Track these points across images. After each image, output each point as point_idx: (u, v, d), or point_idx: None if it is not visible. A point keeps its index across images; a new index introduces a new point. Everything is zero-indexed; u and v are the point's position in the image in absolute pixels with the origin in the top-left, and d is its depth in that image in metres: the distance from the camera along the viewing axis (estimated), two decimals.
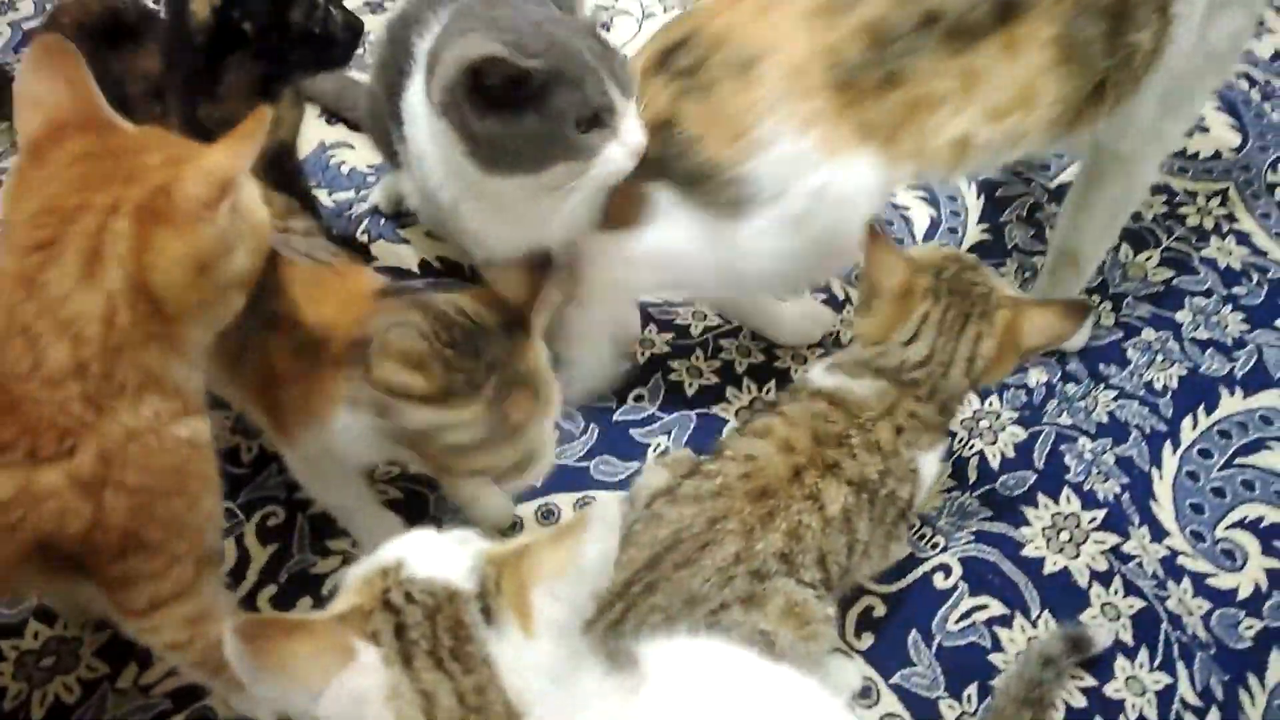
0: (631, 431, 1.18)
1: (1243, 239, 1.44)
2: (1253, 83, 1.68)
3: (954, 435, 1.18)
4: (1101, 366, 1.27)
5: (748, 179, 0.99)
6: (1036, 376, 1.25)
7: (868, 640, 1.03)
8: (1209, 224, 1.45)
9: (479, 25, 0.93)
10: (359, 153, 1.46)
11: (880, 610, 1.06)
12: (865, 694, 1.00)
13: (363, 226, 1.38)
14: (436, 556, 0.62)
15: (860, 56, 0.97)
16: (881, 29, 0.97)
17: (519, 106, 0.90)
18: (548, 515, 1.11)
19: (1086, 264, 1.25)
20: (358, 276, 0.93)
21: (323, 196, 1.41)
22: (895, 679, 1.01)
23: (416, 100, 1.00)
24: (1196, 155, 1.55)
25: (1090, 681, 1.02)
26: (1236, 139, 1.58)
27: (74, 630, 1.00)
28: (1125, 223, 1.25)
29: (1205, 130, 1.59)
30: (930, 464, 0.97)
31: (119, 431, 0.71)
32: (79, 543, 0.71)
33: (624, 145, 0.94)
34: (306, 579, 1.05)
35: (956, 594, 1.07)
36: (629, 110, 0.94)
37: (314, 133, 1.46)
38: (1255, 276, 1.39)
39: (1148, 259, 1.40)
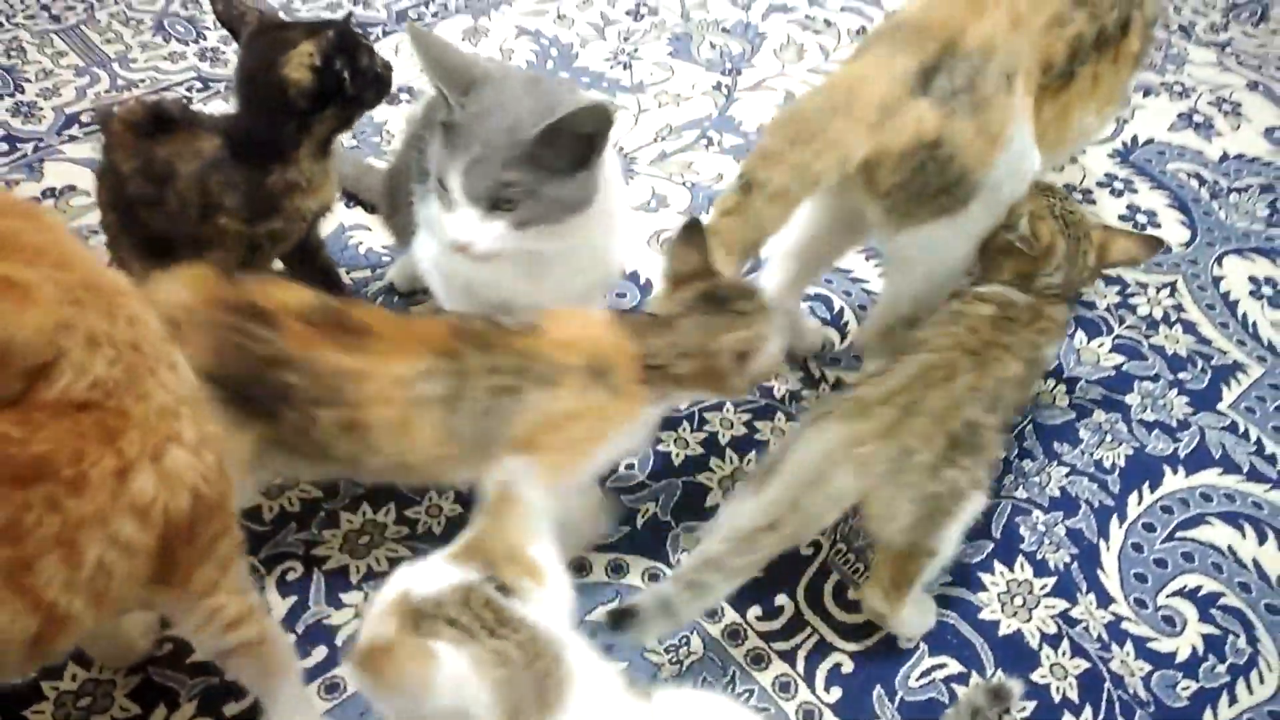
0: (622, 498, 1.28)
1: (1189, 328, 1.56)
2: (1202, 182, 1.82)
3: None
4: (1055, 445, 1.38)
5: (988, 174, 1.13)
6: (995, 453, 1.36)
7: (836, 694, 1.12)
8: (1158, 314, 1.58)
9: None
10: (375, 235, 1.59)
11: (848, 667, 1.15)
12: None
13: (379, 302, 1.50)
14: (431, 573, 0.78)
15: (1063, 64, 1.16)
16: (1078, 42, 1.16)
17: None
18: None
19: None
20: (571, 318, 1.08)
21: (341, 275, 1.52)
22: None
23: None
24: None
25: None
26: (1186, 235, 1.72)
27: (108, 673, 1.09)
28: None
29: (1157, 226, 1.73)
30: (1052, 353, 1.27)
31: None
32: (190, 516, 0.79)
33: (446, 232, 1.06)
34: (322, 629, 1.14)
35: (918, 653, 1.16)
36: (460, 209, 1.04)
37: (333, 215, 1.58)
38: (1200, 363, 1.51)
39: (1100, 345, 1.51)
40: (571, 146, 1.03)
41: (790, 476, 1.03)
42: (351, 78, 1.21)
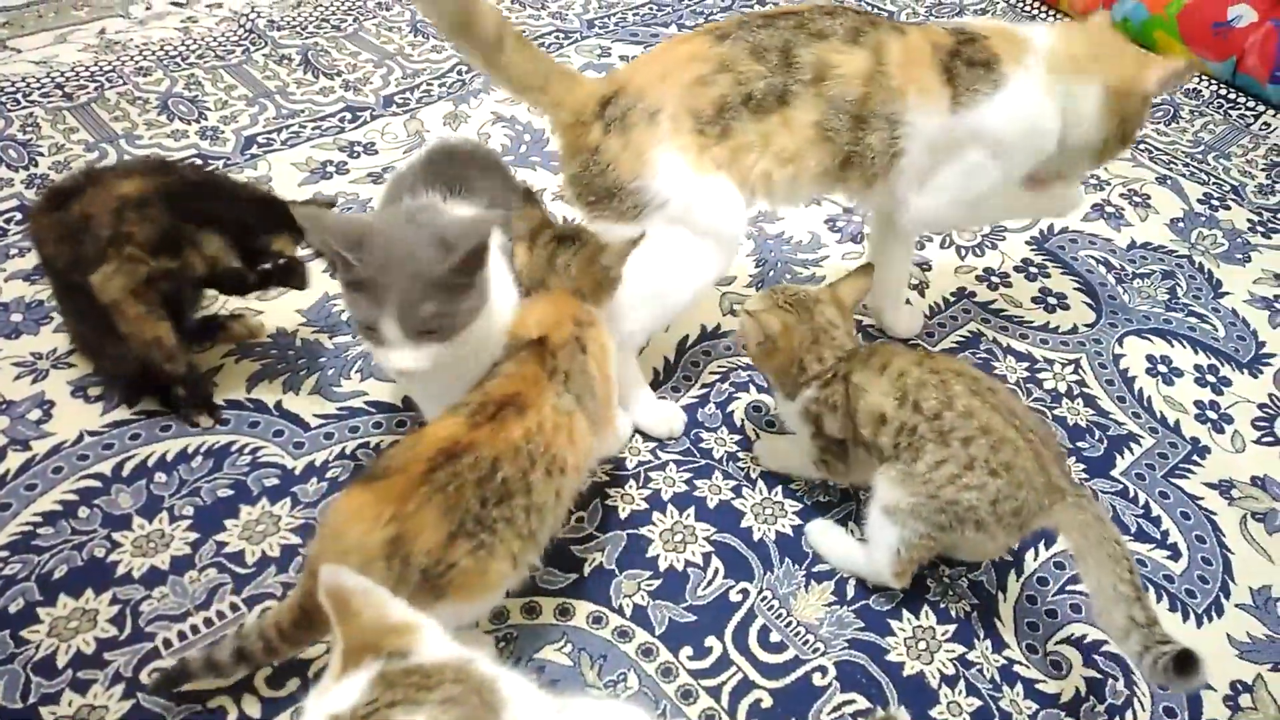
0: (572, 548, 1.43)
1: (1089, 401, 1.73)
2: (1110, 268, 2.01)
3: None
4: None
5: (643, 190, 1.41)
6: None
7: None
8: (1062, 387, 1.75)
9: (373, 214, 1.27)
10: None
11: (768, 702, 1.29)
12: None
13: (356, 367, 1.65)
14: (340, 693, 0.82)
15: (710, 116, 1.41)
16: (722, 102, 1.41)
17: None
18: (497, 616, 1.34)
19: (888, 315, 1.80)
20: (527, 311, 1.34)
21: (324, 340, 1.68)
22: None
23: None
24: (1056, 329, 1.86)
25: None
26: (1091, 316, 1.90)
27: (102, 699, 1.21)
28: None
29: (1066, 308, 1.91)
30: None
31: None
32: None
33: (387, 365, 1.21)
34: (296, 665, 1.26)
35: (830, 690, 1.30)
36: (398, 346, 1.18)
37: (319, 283, 1.74)
38: (1097, 434, 1.68)
39: None
40: (471, 263, 1.18)
41: None
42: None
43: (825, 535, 1.46)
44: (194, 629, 1.28)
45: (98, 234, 1.42)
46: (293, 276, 1.55)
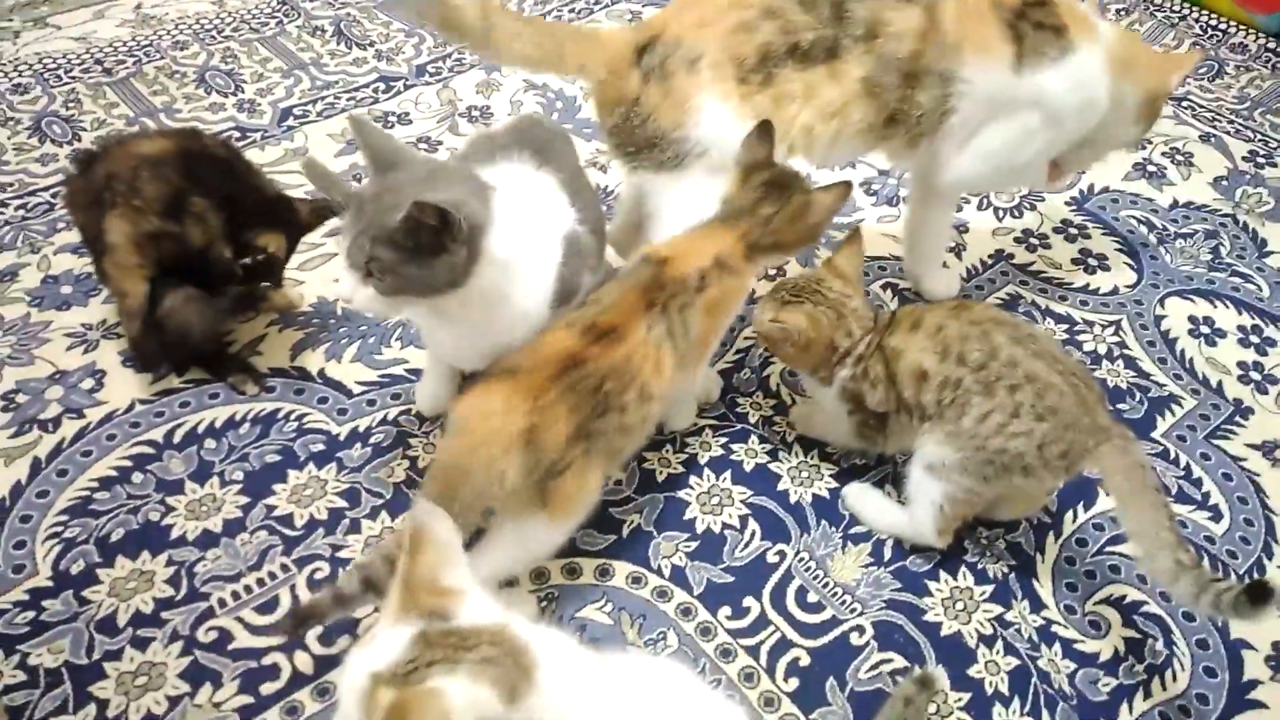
0: (611, 510, 1.45)
1: (1130, 363, 1.72)
2: (1151, 228, 1.99)
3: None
4: None
5: (685, 140, 1.40)
6: None
7: (794, 683, 1.28)
8: (1102, 349, 1.74)
9: None
10: None
11: (805, 660, 1.30)
12: None
13: (396, 334, 1.67)
14: (381, 645, 0.86)
15: (754, 64, 1.40)
16: (766, 49, 1.40)
17: None
18: (539, 576, 1.36)
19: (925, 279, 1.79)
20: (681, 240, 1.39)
21: None
22: (814, 715, 1.25)
23: None
24: (1096, 290, 1.85)
25: None
26: (1133, 277, 1.88)
27: (161, 657, 1.25)
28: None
29: (1107, 269, 1.89)
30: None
31: None
32: None
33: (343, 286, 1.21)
34: (346, 623, 1.29)
35: (868, 649, 1.32)
36: (345, 271, 1.19)
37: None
38: (1138, 395, 1.67)
39: None
40: (426, 237, 1.14)
41: None
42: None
43: (864, 498, 1.47)
44: (247, 589, 1.32)
45: (115, 190, 1.47)
46: (270, 272, 1.59)
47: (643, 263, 1.32)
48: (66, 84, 2.15)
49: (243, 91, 2.16)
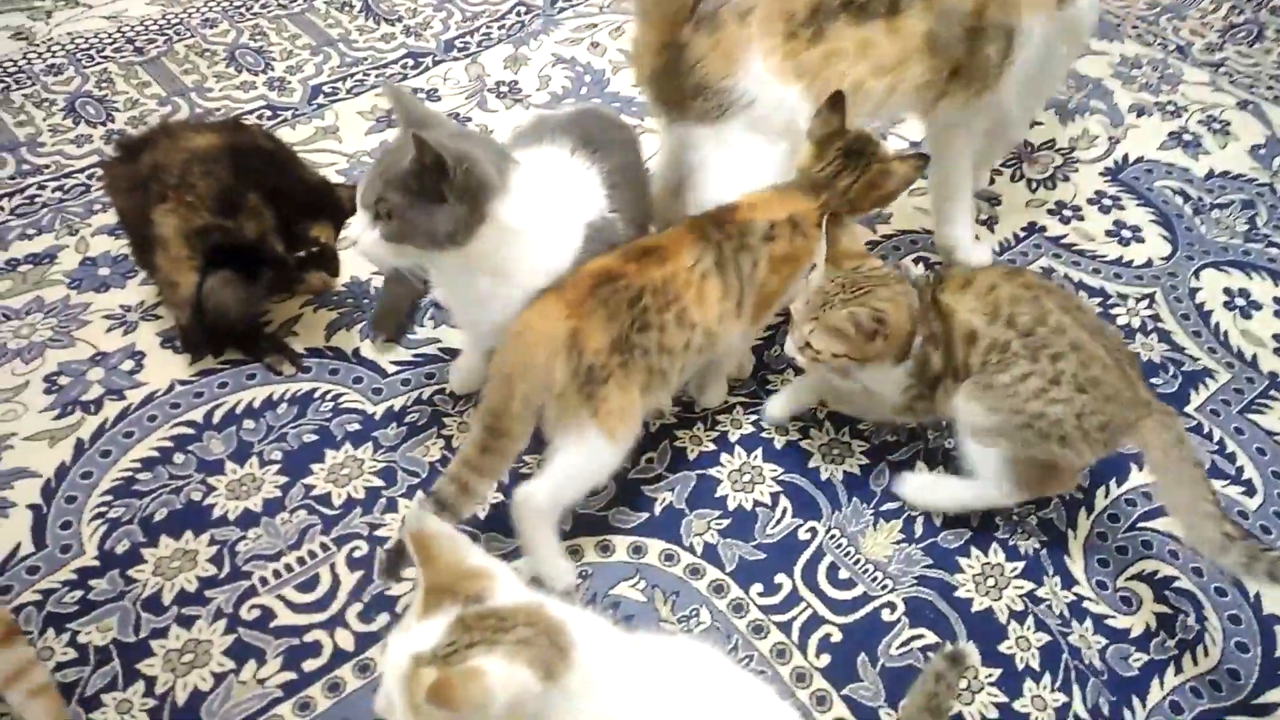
0: (643, 488, 1.46)
1: (1164, 336, 1.70)
2: (1186, 198, 1.96)
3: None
4: None
5: (730, 90, 1.41)
6: None
7: (825, 659, 1.29)
8: (1136, 323, 1.72)
9: None
10: None
11: (837, 637, 1.32)
12: (821, 701, 1.26)
13: (428, 314, 1.69)
14: (421, 632, 0.88)
15: (804, 18, 1.40)
16: (817, 4, 1.40)
17: None
18: (574, 554, 1.38)
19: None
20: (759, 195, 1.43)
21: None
22: (846, 690, 1.27)
23: None
24: (1130, 262, 1.83)
25: (1002, 698, 1.27)
26: (1167, 249, 1.86)
27: (206, 634, 1.29)
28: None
29: (1141, 241, 1.87)
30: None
31: None
32: None
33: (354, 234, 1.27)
34: (385, 600, 1.33)
35: (899, 626, 1.33)
36: (358, 213, 1.25)
37: None
38: (1172, 369, 1.65)
39: None
40: (429, 182, 1.19)
41: None
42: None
43: (928, 490, 1.45)
44: (287, 567, 1.35)
45: (165, 182, 1.48)
46: (327, 263, 1.60)
47: (715, 208, 1.39)
48: (99, 64, 2.17)
49: (272, 69, 2.16)
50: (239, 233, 1.50)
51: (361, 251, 1.26)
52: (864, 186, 1.40)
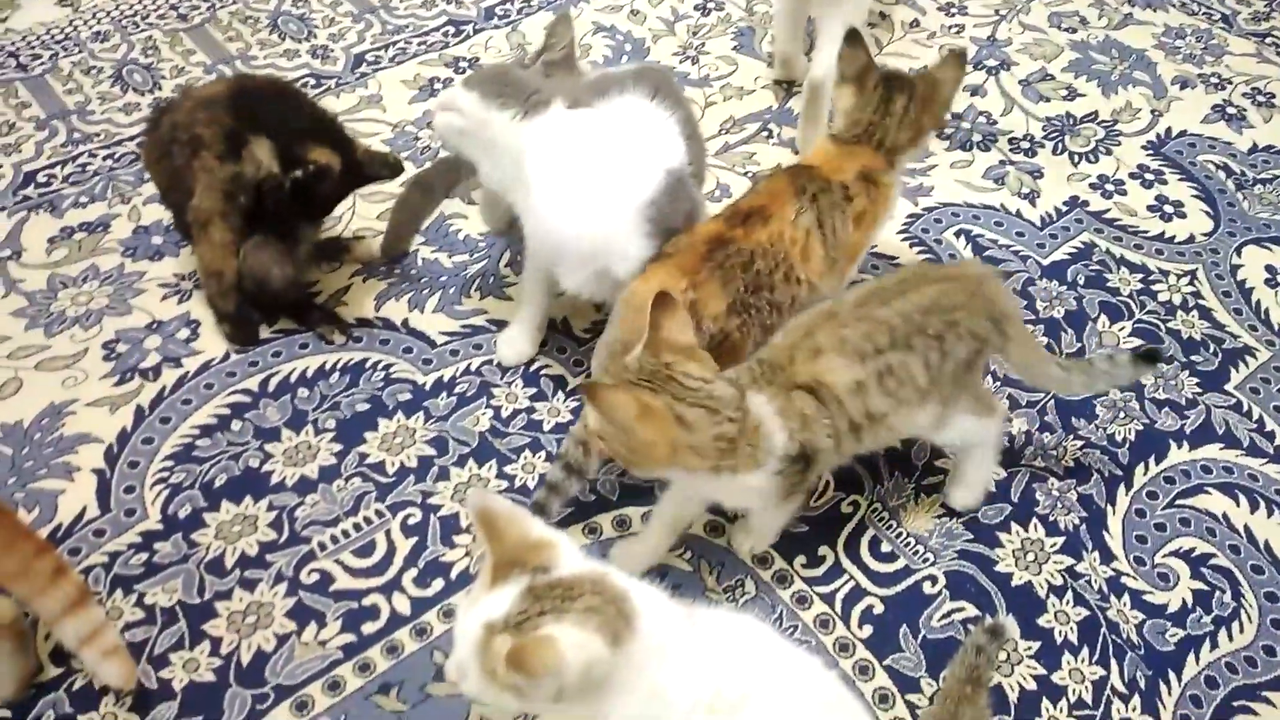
0: None
1: (1205, 314, 1.71)
2: (1230, 173, 1.95)
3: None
4: (1073, 419, 1.55)
5: None
6: (1019, 425, 1.54)
7: (868, 630, 1.33)
8: (1177, 300, 1.73)
9: None
10: (472, 222, 1.80)
11: (879, 609, 1.35)
12: (863, 671, 1.29)
13: (475, 285, 1.71)
14: (493, 601, 0.92)
15: None
16: None
17: None
18: (621, 524, 1.42)
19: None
20: (820, 152, 1.51)
21: (443, 259, 1.74)
22: (888, 661, 1.30)
23: None
24: (1172, 239, 1.83)
25: (1040, 670, 1.30)
26: (1209, 225, 1.86)
27: (269, 596, 1.33)
28: None
29: (1183, 216, 1.87)
30: None
31: None
32: None
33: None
34: (439, 565, 1.37)
35: (940, 598, 1.36)
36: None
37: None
38: (1212, 347, 1.66)
39: (1121, 329, 1.68)
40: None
41: None
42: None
43: (969, 488, 1.44)
44: (344, 533, 1.39)
45: (182, 142, 1.53)
46: (323, 180, 1.57)
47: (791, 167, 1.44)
48: (144, 31, 2.18)
49: (315, 37, 2.17)
50: (243, 178, 1.54)
51: (438, 105, 1.43)
52: (920, 104, 1.44)
